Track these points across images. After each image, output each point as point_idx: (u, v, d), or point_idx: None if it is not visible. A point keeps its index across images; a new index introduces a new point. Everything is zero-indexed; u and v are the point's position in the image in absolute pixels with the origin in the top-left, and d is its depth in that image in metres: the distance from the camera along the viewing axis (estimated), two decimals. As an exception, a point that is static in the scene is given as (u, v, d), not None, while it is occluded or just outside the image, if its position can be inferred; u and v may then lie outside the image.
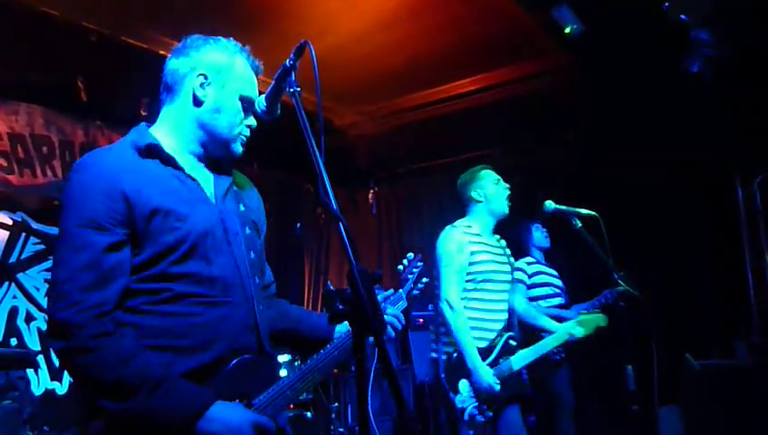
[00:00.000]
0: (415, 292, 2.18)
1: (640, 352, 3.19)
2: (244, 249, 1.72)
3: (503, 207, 3.53)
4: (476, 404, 3.19)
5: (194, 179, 1.70)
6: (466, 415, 3.17)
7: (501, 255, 3.53)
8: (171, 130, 1.74)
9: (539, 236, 4.68)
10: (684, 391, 4.42)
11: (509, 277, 3.50)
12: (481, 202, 3.52)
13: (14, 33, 3.97)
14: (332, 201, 1.35)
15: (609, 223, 3.42)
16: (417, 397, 5.06)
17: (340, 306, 1.24)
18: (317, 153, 1.43)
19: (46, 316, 1.56)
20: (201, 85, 1.72)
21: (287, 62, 1.56)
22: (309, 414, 4.61)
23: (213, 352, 1.59)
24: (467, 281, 3.37)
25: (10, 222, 4.44)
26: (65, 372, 4.53)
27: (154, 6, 4.17)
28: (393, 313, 1.92)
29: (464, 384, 3.23)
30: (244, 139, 1.78)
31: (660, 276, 4.63)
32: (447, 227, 3.51)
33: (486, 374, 3.21)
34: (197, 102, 1.72)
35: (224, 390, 1.59)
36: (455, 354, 3.28)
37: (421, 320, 5.46)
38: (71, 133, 4.52)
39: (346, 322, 1.31)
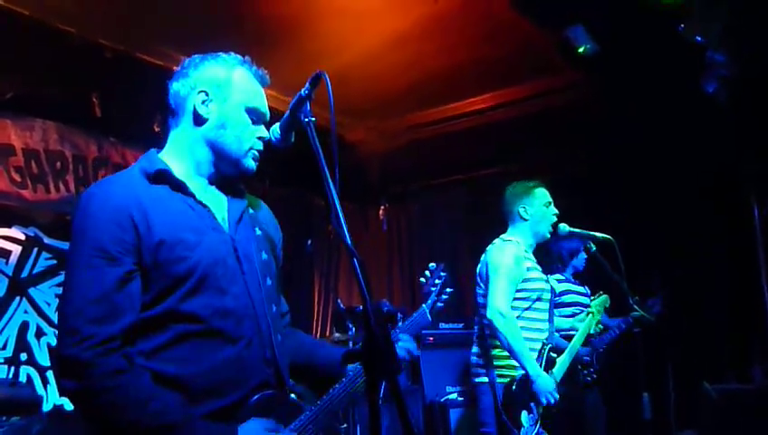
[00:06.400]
0: (439, 304, 2.05)
1: (656, 377, 3.14)
2: (260, 276, 1.65)
3: (546, 231, 3.44)
4: (537, 431, 3.10)
5: (204, 206, 1.64)
6: None
7: (542, 272, 3.48)
8: (180, 154, 1.69)
9: (582, 257, 4.50)
10: (701, 417, 4.33)
11: (550, 295, 3.44)
12: (527, 221, 3.43)
13: (30, 50, 4.00)
14: (347, 235, 1.31)
15: (622, 242, 3.37)
16: (426, 418, 4.99)
17: (353, 346, 1.22)
18: (331, 184, 1.39)
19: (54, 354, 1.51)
20: (203, 103, 1.66)
21: (302, 92, 1.54)
22: None
23: (229, 395, 1.52)
24: (520, 299, 3.28)
25: (23, 237, 4.45)
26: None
27: (168, 23, 4.20)
28: (405, 345, 1.83)
29: (524, 416, 3.12)
30: (257, 154, 1.70)
31: (675, 299, 4.56)
32: (500, 241, 3.40)
33: (548, 381, 3.12)
34: (201, 121, 1.67)
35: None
36: (513, 386, 3.14)
37: (431, 338, 5.39)
38: (84, 148, 4.53)
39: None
